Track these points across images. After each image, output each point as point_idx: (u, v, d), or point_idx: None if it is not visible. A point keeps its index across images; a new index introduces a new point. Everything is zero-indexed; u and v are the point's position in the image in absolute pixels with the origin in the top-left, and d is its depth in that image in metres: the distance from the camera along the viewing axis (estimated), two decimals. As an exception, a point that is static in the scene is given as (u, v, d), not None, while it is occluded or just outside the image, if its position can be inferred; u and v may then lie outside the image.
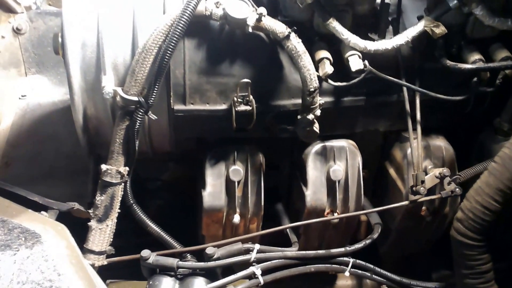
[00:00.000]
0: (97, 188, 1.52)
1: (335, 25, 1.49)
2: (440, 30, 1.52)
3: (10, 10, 2.56)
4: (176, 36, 1.36)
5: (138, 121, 1.44)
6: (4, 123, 2.38)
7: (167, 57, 1.37)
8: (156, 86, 1.41)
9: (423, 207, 1.78)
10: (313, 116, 1.55)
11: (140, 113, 1.43)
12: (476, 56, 1.61)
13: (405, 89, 1.65)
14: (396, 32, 1.65)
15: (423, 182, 1.64)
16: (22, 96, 2.52)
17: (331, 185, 1.72)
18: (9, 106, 2.46)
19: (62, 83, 2.60)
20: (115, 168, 1.49)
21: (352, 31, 1.51)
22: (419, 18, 1.62)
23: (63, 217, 1.55)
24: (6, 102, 2.47)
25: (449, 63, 1.61)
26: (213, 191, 1.65)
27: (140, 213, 1.63)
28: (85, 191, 2.08)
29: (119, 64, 1.47)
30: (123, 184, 1.52)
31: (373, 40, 1.58)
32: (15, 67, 2.60)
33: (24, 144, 2.31)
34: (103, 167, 1.49)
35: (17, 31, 2.58)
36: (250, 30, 1.43)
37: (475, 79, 1.66)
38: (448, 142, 1.78)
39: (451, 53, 1.64)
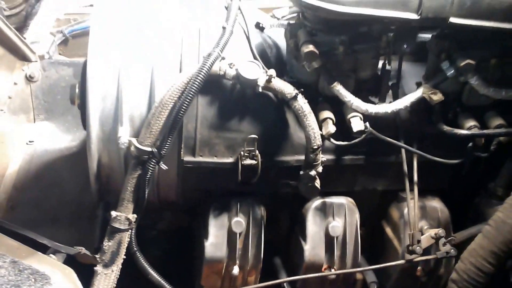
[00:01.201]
0: (105, 233, 1.56)
1: (339, 88, 1.58)
2: (438, 97, 1.61)
3: (24, 58, 2.66)
4: (191, 93, 1.45)
5: (150, 171, 1.50)
6: (11, 167, 2.43)
7: (182, 112, 1.46)
8: (169, 138, 1.49)
9: (419, 267, 1.81)
10: (315, 173, 1.63)
11: (152, 163, 1.50)
12: (472, 123, 1.69)
13: (403, 150, 1.72)
14: (395, 96, 1.73)
15: (419, 241, 1.69)
16: (29, 141, 2.58)
17: (329, 241, 1.76)
18: (17, 151, 2.52)
19: (69, 131, 2.68)
20: (124, 215, 1.54)
21: (355, 94, 1.60)
22: (418, 84, 1.71)
23: (69, 261, 1.59)
24: (14, 147, 2.53)
25: (446, 128, 1.68)
26: (215, 242, 1.70)
27: (142, 260, 1.66)
28: (87, 237, 2.13)
29: (135, 116, 1.55)
30: (130, 230, 1.57)
31: (374, 103, 1.66)
32: (24, 113, 2.67)
33: (30, 188, 2.35)
34: (113, 213, 1.54)
35: (29, 79, 2.66)
36: (260, 90, 1.53)
37: (470, 144, 1.73)
38: (443, 204, 1.84)
39: (448, 118, 1.72)
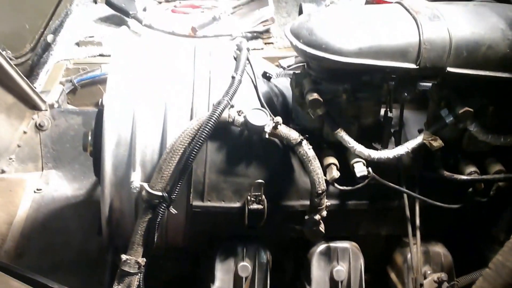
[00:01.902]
0: (115, 277, 1.59)
1: (342, 135, 1.63)
2: (438, 143, 1.65)
3: (35, 107, 2.73)
4: (201, 139, 1.52)
5: (160, 215, 1.54)
6: (19, 215, 2.46)
7: (192, 157, 1.52)
8: (180, 183, 1.54)
9: (422, 312, 1.83)
10: (319, 217, 1.66)
11: (163, 208, 1.54)
12: (472, 169, 1.73)
13: (405, 195, 1.76)
14: (398, 143, 1.78)
15: (422, 285, 1.71)
16: (37, 189, 2.62)
17: (334, 285, 1.78)
18: (25, 199, 2.55)
19: (76, 179, 2.71)
20: (134, 259, 1.57)
21: (358, 140, 1.65)
22: (420, 131, 1.76)
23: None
24: (22, 195, 2.57)
25: (446, 173, 1.72)
26: (221, 286, 1.72)
27: None
28: (92, 284, 2.14)
29: (147, 161, 1.61)
30: (139, 274, 1.60)
31: (377, 149, 1.71)
32: (32, 162, 2.72)
33: (37, 236, 2.39)
34: (123, 257, 1.57)
35: (39, 128, 2.72)
36: (267, 136, 1.59)
37: (470, 189, 1.77)
38: (446, 249, 1.86)
39: (449, 164, 1.76)
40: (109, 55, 2.89)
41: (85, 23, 3.53)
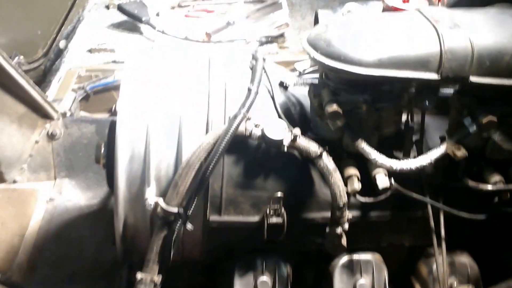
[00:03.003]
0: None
1: (363, 146, 1.58)
2: (462, 153, 1.60)
3: (46, 116, 2.71)
4: (218, 154, 1.47)
5: (176, 232, 1.50)
6: (31, 227, 2.44)
7: (209, 172, 1.48)
8: (196, 199, 1.50)
9: (450, 325, 1.78)
10: (341, 230, 1.62)
11: (179, 224, 1.50)
12: (497, 177, 1.67)
13: (429, 205, 1.71)
14: (420, 151, 1.73)
15: (450, 299, 1.67)
16: (50, 199, 2.60)
17: (357, 299, 1.74)
18: (37, 209, 2.53)
19: (89, 188, 2.69)
20: (150, 277, 1.53)
21: (379, 150, 1.60)
22: (441, 138, 1.71)
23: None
24: (35, 205, 2.55)
25: (471, 183, 1.67)
26: (240, 302, 1.68)
27: None
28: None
29: (162, 176, 1.57)
30: (155, 292, 1.56)
31: (398, 158, 1.66)
32: (45, 171, 2.70)
33: (50, 248, 2.36)
34: (138, 275, 1.53)
35: (51, 137, 2.70)
36: (285, 149, 1.54)
37: (496, 199, 1.72)
38: (472, 259, 1.81)
39: (473, 173, 1.71)
40: (122, 62, 2.87)
41: (97, 29, 3.53)
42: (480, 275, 1.79)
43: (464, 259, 1.80)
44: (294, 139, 1.54)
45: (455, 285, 1.75)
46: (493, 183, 1.67)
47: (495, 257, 1.90)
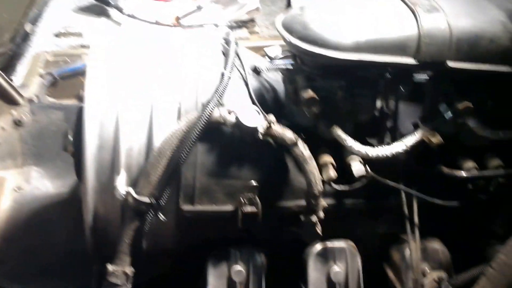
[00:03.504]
0: (102, 288, 1.52)
1: (338, 133, 1.56)
2: (437, 139, 1.60)
3: (12, 102, 2.62)
4: (190, 142, 1.44)
5: (148, 222, 1.46)
6: (-1, 217, 2.36)
7: (181, 161, 1.44)
8: (168, 188, 1.46)
9: (422, 311, 1.79)
10: (316, 218, 1.60)
11: (151, 214, 1.46)
12: (471, 164, 1.68)
13: (403, 193, 1.71)
14: (394, 138, 1.72)
15: (423, 286, 1.67)
16: (18, 188, 2.52)
17: (331, 287, 1.72)
18: (4, 199, 2.45)
19: (59, 176, 2.61)
20: (121, 269, 1.49)
21: (354, 137, 1.59)
22: (414, 125, 1.71)
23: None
24: (2, 194, 2.47)
25: (445, 170, 1.67)
26: (214, 292, 1.65)
27: None
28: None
29: (132, 165, 1.52)
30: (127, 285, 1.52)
31: (372, 145, 1.65)
32: (12, 159, 2.61)
33: (19, 239, 2.28)
34: (110, 267, 1.49)
35: (17, 123, 2.62)
36: (260, 137, 1.51)
37: (470, 185, 1.73)
38: (444, 245, 1.82)
39: (447, 159, 1.71)
40: (90, 46, 2.80)
41: (64, 13, 3.42)
42: (451, 261, 1.80)
43: (436, 245, 1.80)
44: (269, 127, 1.51)
45: (427, 271, 1.75)
46: (467, 170, 1.68)
47: (468, 244, 1.91)
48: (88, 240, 1.59)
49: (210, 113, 1.47)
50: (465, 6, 1.55)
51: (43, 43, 3.17)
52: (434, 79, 1.66)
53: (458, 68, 1.50)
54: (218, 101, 1.51)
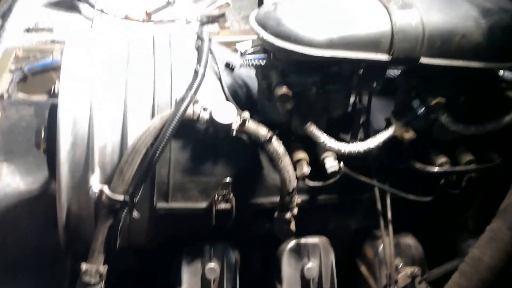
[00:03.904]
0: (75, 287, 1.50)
1: (312, 129, 1.56)
2: (410, 135, 1.61)
3: (-18, 98, 2.58)
4: (165, 139, 1.42)
5: (122, 220, 1.45)
6: (-32, 214, 2.32)
7: (155, 158, 1.42)
8: (142, 186, 1.45)
9: (395, 306, 1.80)
10: (290, 215, 1.61)
11: (125, 212, 1.45)
12: (443, 159, 1.70)
13: (376, 188, 1.72)
14: (366, 133, 1.74)
15: (396, 282, 1.68)
16: (-13, 185, 2.48)
17: (305, 283, 1.74)
18: (-26, 195, 2.41)
19: (29, 172, 2.58)
20: (95, 267, 1.47)
21: (327, 132, 1.59)
22: (387, 120, 1.72)
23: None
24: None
25: (418, 165, 1.69)
26: (188, 289, 1.64)
27: None
28: (49, 286, 2.03)
29: (106, 163, 1.50)
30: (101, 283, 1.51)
31: (346, 141, 1.66)
32: (-19, 156, 2.57)
33: (-13, 236, 2.25)
34: (83, 266, 1.47)
35: (-13, 120, 2.57)
36: (234, 133, 1.51)
37: (442, 180, 1.74)
38: (416, 240, 1.84)
39: (419, 154, 1.73)
40: (61, 42, 2.76)
41: (34, 8, 3.36)
42: (424, 256, 1.82)
43: (409, 240, 1.83)
44: (243, 123, 1.50)
45: (400, 267, 1.77)
46: (439, 165, 1.70)
47: (441, 238, 1.93)
48: (61, 237, 1.57)
49: (184, 109, 1.45)
50: (437, 2, 1.56)
51: (13, 38, 3.11)
52: (406, 75, 1.67)
53: (431, 64, 1.51)
54: (192, 97, 1.49)
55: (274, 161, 1.55)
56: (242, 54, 2.19)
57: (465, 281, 1.47)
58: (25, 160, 2.60)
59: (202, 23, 3.17)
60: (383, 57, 1.49)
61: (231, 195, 1.57)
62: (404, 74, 1.68)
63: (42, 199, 2.46)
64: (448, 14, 1.52)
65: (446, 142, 1.74)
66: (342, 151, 1.59)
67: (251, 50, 2.27)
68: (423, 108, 1.60)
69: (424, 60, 1.51)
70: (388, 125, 1.66)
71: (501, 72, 1.74)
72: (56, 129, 1.51)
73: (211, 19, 3.24)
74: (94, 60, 1.61)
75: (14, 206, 2.44)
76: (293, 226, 1.62)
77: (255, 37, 1.59)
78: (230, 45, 2.56)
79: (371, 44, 1.47)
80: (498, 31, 1.52)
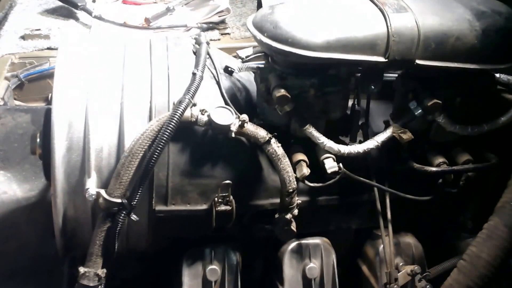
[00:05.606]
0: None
1: (311, 131, 1.57)
2: (407, 136, 1.62)
3: (-23, 106, 2.56)
4: (163, 141, 1.41)
5: (120, 223, 1.44)
6: (-35, 221, 2.31)
7: (152, 161, 1.42)
8: (140, 189, 1.44)
9: (397, 305, 1.81)
10: (290, 216, 1.61)
11: (123, 215, 1.44)
12: (440, 159, 1.71)
13: (376, 189, 1.73)
14: (365, 135, 1.75)
15: (396, 280, 1.69)
16: (-16, 193, 2.46)
17: (307, 283, 1.74)
18: (-30, 203, 2.40)
19: (26, 180, 2.55)
20: (93, 271, 1.46)
21: (326, 134, 1.60)
22: (386, 122, 1.74)
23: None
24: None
25: (416, 165, 1.70)
26: (189, 293, 1.64)
27: None
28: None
29: (103, 166, 1.50)
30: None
31: (345, 143, 1.67)
32: (-22, 164, 2.55)
33: (-15, 244, 2.24)
34: (81, 269, 1.46)
35: (-17, 127, 2.55)
36: (233, 135, 1.51)
37: (440, 180, 1.76)
38: (416, 239, 1.85)
39: (417, 155, 1.74)
40: (57, 49, 2.75)
41: (31, 15, 3.35)
42: (424, 255, 1.83)
43: (409, 240, 1.84)
44: (242, 125, 1.50)
45: (401, 265, 1.77)
46: (437, 165, 1.71)
47: (439, 237, 1.94)
48: (58, 242, 1.56)
49: (182, 112, 1.45)
50: (432, 5, 1.58)
51: (9, 45, 3.09)
52: (402, 77, 1.69)
53: (426, 65, 1.53)
54: (190, 100, 1.49)
55: (273, 163, 1.55)
56: (243, 60, 2.21)
57: (463, 278, 1.47)
58: (22, 168, 2.57)
59: (202, 30, 3.16)
60: (379, 59, 1.50)
61: (231, 197, 1.57)
62: (401, 77, 1.70)
63: (40, 207, 2.44)
64: (442, 17, 1.54)
65: (444, 143, 1.75)
66: (342, 152, 1.59)
67: (252, 56, 2.28)
68: (420, 109, 1.61)
69: (419, 62, 1.53)
70: (386, 126, 1.67)
71: (496, 75, 1.75)
72: (51, 134, 1.50)
73: (211, 26, 3.24)
74: (89, 63, 1.60)
75: (12, 213, 2.42)
76: (293, 227, 1.62)
77: (256, 43, 1.60)
78: (231, 51, 2.57)
79: (367, 46, 1.49)
80: (492, 33, 1.55)
